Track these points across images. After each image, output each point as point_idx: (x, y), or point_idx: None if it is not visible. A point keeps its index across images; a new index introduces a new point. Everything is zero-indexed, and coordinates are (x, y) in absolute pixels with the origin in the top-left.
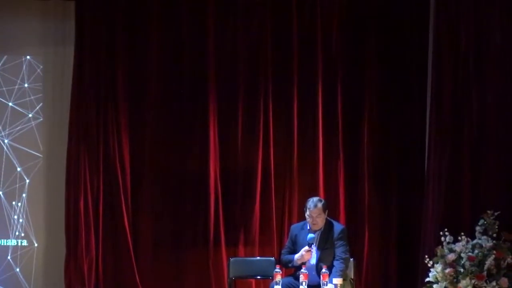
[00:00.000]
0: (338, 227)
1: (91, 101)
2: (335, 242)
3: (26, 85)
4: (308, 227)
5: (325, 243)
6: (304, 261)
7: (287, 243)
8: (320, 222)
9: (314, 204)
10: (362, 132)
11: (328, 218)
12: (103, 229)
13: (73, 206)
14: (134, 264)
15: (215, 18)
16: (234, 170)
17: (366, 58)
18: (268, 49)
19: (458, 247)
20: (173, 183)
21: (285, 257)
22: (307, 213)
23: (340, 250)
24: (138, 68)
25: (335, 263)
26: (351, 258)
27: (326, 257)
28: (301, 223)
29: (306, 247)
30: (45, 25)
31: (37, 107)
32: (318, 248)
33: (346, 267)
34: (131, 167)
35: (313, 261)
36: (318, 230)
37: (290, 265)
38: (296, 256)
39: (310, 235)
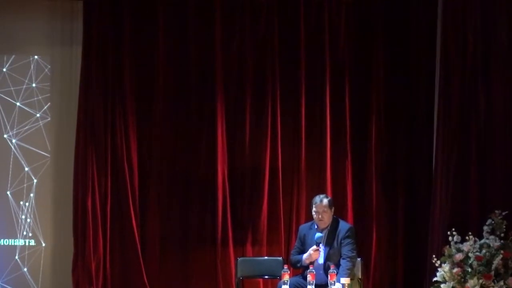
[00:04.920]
0: (345, 225)
1: (98, 101)
2: (342, 241)
3: (34, 85)
4: (316, 226)
5: (332, 241)
6: (312, 260)
7: (295, 243)
8: (326, 218)
9: (320, 200)
10: (369, 132)
11: (335, 216)
12: (111, 229)
13: (81, 206)
14: (142, 263)
15: (222, 18)
16: (242, 170)
17: (373, 58)
18: (275, 49)
19: (465, 246)
20: (181, 183)
21: (294, 257)
22: (314, 209)
23: (347, 249)
24: (145, 68)
25: (342, 262)
26: (359, 257)
27: (333, 256)
28: (309, 223)
29: (314, 247)
30: (53, 25)
31: (45, 107)
32: (326, 246)
33: (353, 265)
34: (139, 166)
35: (321, 260)
36: (325, 228)
37: (298, 265)
38: (305, 255)
39: (318, 234)
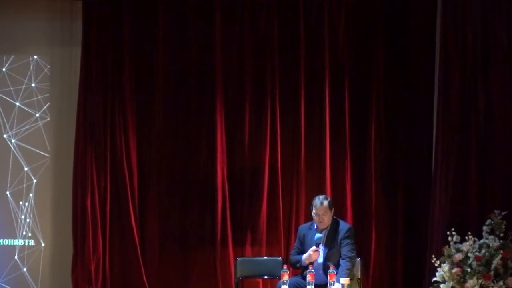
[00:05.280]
0: (344, 226)
1: (98, 101)
2: (342, 241)
3: (33, 85)
4: (316, 227)
5: (332, 241)
6: (312, 260)
7: (295, 243)
8: (327, 220)
9: (320, 202)
10: (369, 132)
11: (335, 217)
12: (110, 229)
13: (80, 206)
14: (141, 263)
15: (222, 18)
16: (241, 170)
17: (373, 58)
18: (275, 49)
19: (465, 246)
20: (180, 183)
21: (294, 257)
22: (314, 211)
23: (346, 249)
24: (145, 68)
25: (342, 262)
26: (358, 257)
27: (333, 256)
28: (309, 223)
29: (314, 247)
30: (52, 25)
31: (44, 107)
32: (326, 246)
33: (353, 266)
34: (138, 166)
35: (320, 260)
36: (325, 229)
37: (298, 265)
38: (304, 256)
39: (317, 235)
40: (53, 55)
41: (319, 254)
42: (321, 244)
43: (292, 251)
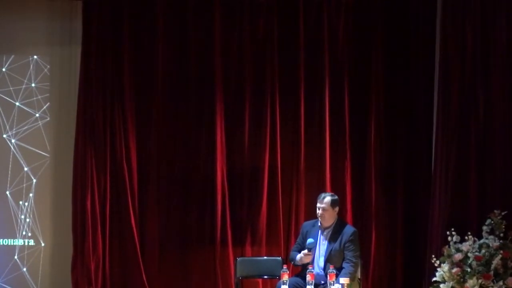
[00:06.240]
0: (349, 229)
1: (98, 100)
2: (346, 245)
3: (33, 84)
4: (319, 224)
5: (334, 242)
6: (303, 263)
7: (298, 239)
8: (327, 216)
9: (323, 196)
10: (369, 132)
11: (341, 218)
12: (110, 229)
13: (80, 206)
14: (141, 263)
15: (221, 18)
16: (241, 170)
17: (373, 58)
18: (274, 49)
19: (465, 246)
20: (180, 183)
21: (293, 253)
22: (317, 204)
23: (350, 254)
24: (144, 68)
25: (345, 265)
26: None
27: (335, 259)
28: (313, 220)
29: (305, 251)
30: (52, 25)
31: (44, 107)
32: (329, 245)
33: (356, 271)
34: (138, 166)
35: (322, 260)
36: (329, 227)
37: (293, 263)
38: (298, 256)
39: (310, 240)
40: (53, 55)
41: (310, 259)
42: (314, 249)
43: (293, 247)
